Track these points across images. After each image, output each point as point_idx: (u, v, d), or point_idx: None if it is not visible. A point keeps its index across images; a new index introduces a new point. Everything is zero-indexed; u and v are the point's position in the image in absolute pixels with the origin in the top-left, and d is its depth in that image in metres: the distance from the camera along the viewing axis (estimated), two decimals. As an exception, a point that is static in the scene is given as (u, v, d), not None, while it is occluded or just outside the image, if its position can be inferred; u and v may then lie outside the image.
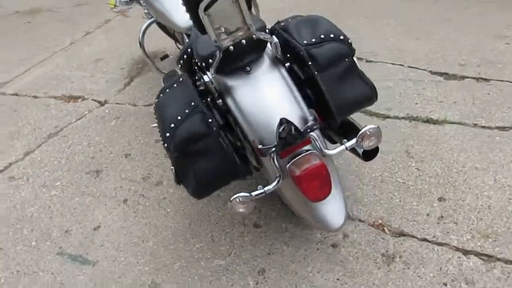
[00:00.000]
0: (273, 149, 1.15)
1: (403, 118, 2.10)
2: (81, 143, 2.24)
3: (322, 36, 1.27)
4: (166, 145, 1.20)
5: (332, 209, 1.26)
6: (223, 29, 1.10)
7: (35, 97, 2.74)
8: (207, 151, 1.18)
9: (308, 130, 1.17)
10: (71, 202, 1.89)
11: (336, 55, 1.25)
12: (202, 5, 1.02)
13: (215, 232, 1.66)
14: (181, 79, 1.37)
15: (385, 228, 1.58)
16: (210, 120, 1.17)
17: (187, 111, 1.20)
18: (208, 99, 1.31)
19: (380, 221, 1.60)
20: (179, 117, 1.19)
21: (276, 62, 1.29)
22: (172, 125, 1.19)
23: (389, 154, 1.89)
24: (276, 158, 1.18)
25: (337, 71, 1.25)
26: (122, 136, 2.24)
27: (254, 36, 1.15)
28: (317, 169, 1.13)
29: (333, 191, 1.23)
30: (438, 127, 2.00)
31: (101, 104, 2.56)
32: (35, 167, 2.13)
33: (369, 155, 1.33)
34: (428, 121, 2.04)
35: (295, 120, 1.18)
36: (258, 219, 1.68)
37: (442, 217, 1.59)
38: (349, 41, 1.29)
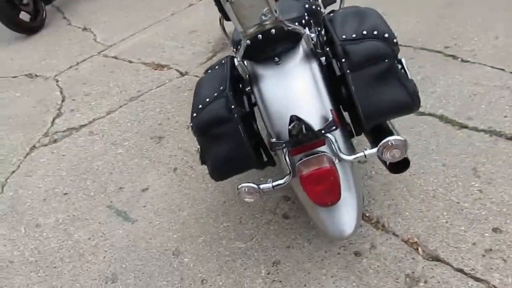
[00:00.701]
0: (283, 145, 1.11)
1: (482, 130, 1.85)
2: (154, 109, 2.41)
3: (365, 32, 1.17)
4: (191, 124, 1.24)
5: (340, 216, 1.19)
6: (249, 17, 1.08)
7: (129, 61, 3.00)
8: (225, 137, 1.19)
9: (323, 131, 1.10)
10: (131, 162, 2.07)
11: (374, 55, 1.14)
12: None
13: (244, 215, 1.68)
14: (223, 61, 1.38)
15: (419, 248, 1.44)
16: (232, 107, 1.17)
17: (215, 94, 1.22)
18: (241, 85, 1.31)
19: (416, 239, 1.46)
20: (207, 99, 1.22)
21: (310, 55, 1.22)
22: (200, 106, 1.22)
23: (453, 168, 1.69)
24: (288, 155, 1.14)
25: (372, 72, 1.15)
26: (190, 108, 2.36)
27: (283, 26, 1.11)
28: (324, 173, 1.07)
29: (346, 197, 1.16)
30: (522, 148, 1.72)
31: (182, 74, 2.71)
32: (112, 125, 2.36)
33: (397, 168, 1.21)
34: (513, 139, 1.77)
35: (314, 118, 1.13)
36: (289, 211, 1.65)
37: (490, 250, 1.39)
38: (395, 40, 1.17)
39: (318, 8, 1.52)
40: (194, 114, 1.23)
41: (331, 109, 1.16)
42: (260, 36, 1.14)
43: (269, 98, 1.19)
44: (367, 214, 1.57)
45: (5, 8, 3.50)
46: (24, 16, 3.77)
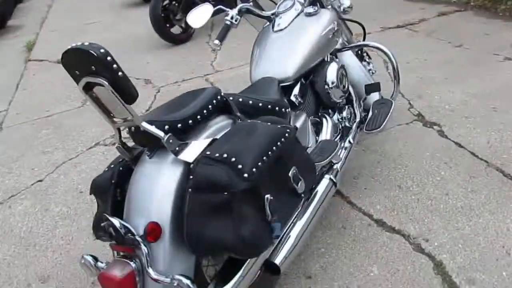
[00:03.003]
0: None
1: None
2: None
3: (225, 156, 1.07)
4: None
5: None
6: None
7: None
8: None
9: (129, 242, 1.06)
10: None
11: (216, 183, 1.05)
12: (80, 84, 1.05)
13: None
14: None
15: None
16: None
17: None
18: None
19: None
20: None
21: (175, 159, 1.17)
22: None
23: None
24: (111, 247, 1.13)
25: (209, 199, 1.06)
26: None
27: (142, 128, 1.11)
28: (112, 281, 1.04)
29: None
30: None
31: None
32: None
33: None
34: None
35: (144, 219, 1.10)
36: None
37: None
38: (245, 175, 1.04)
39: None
40: None
41: (151, 222, 1.09)
42: (133, 128, 1.15)
43: (131, 189, 1.18)
44: None
45: (160, 21, 4.18)
46: (176, 29, 4.41)
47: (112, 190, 1.21)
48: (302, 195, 1.26)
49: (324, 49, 1.84)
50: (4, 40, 5.71)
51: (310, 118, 1.78)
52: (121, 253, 1.12)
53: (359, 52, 2.41)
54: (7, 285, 1.79)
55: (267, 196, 1.10)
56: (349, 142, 1.87)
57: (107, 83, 1.01)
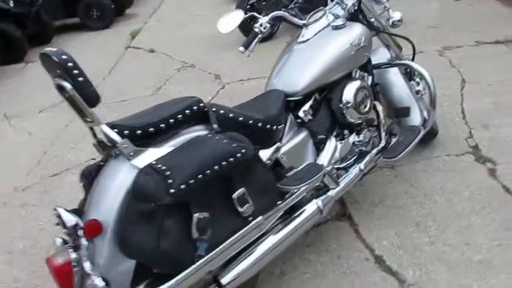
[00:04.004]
0: None
1: None
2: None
3: (163, 168, 1.11)
4: None
5: None
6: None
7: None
8: None
9: (72, 233, 1.15)
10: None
11: (144, 193, 1.12)
12: (55, 82, 1.18)
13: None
14: None
15: None
16: None
17: None
18: None
19: None
20: None
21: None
22: None
23: None
24: None
25: (141, 208, 1.11)
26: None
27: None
28: (50, 266, 1.14)
29: None
30: None
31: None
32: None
33: None
34: None
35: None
36: None
37: None
38: (172, 190, 1.08)
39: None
40: None
41: (92, 219, 1.16)
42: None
43: (93, 185, 1.28)
44: None
45: (244, 23, 4.29)
46: (259, 28, 4.49)
47: (91, 182, 1.33)
48: (250, 218, 1.24)
49: (345, 64, 1.74)
50: (118, 27, 6.39)
51: (320, 137, 1.71)
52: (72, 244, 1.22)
53: (408, 70, 2.21)
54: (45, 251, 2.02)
55: (198, 214, 1.11)
56: (360, 169, 1.75)
57: (70, 86, 1.12)
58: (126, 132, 1.21)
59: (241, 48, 1.81)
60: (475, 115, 2.55)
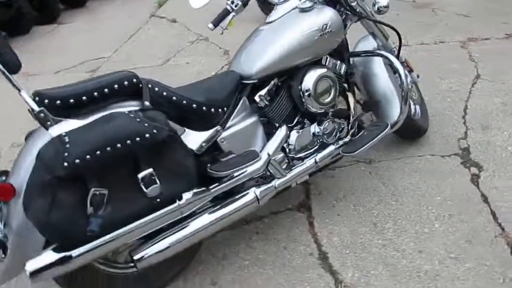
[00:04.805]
0: None
1: None
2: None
3: (66, 140, 1.10)
4: None
5: None
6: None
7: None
8: None
9: None
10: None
11: (45, 163, 1.10)
12: None
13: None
14: None
15: None
16: None
17: None
18: None
19: None
20: None
21: None
22: None
23: None
24: None
25: (41, 177, 1.11)
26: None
27: None
28: None
29: None
30: None
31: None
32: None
33: None
34: None
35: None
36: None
37: None
38: (66, 164, 1.06)
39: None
40: None
41: (4, 182, 1.19)
42: None
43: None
44: None
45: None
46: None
47: None
48: (158, 200, 1.21)
49: (308, 50, 1.63)
50: (149, -5, 6.43)
51: (276, 125, 1.63)
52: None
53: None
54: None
55: (94, 189, 1.10)
56: (315, 161, 1.66)
57: None
58: (46, 101, 1.20)
59: (210, 25, 1.76)
60: (477, 115, 2.35)
